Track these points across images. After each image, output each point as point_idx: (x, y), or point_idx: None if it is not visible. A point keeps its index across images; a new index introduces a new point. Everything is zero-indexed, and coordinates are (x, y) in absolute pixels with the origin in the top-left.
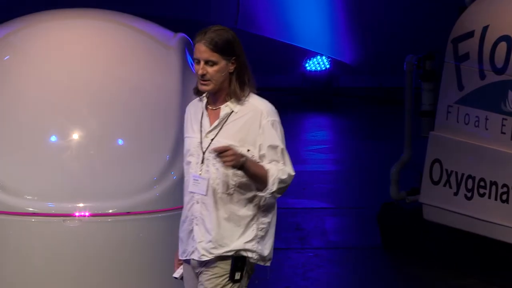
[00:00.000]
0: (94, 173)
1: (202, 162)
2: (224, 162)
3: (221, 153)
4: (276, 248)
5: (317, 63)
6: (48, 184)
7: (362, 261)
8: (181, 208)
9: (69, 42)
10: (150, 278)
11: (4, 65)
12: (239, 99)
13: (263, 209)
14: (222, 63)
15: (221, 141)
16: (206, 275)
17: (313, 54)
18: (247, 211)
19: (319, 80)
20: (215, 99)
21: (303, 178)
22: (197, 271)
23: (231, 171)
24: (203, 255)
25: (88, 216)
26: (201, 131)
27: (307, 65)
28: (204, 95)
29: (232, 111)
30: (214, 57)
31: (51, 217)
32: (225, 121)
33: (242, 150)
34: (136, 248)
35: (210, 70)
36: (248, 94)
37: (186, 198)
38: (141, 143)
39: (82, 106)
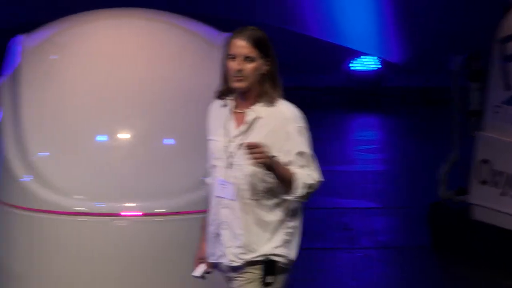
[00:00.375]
0: (143, 172)
1: (228, 167)
2: (254, 158)
3: (252, 149)
4: (325, 248)
5: (363, 63)
6: (97, 183)
7: (410, 260)
8: None
9: (117, 42)
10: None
11: (52, 65)
12: (271, 102)
13: (290, 214)
14: (259, 61)
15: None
16: (238, 282)
17: (359, 54)
18: (274, 216)
19: (365, 80)
20: (242, 101)
21: (352, 178)
22: (226, 275)
23: (259, 175)
24: (232, 260)
25: (136, 215)
26: (226, 135)
27: (353, 64)
28: (229, 98)
29: (259, 116)
30: (253, 53)
31: (99, 217)
32: (252, 126)
33: None
34: (185, 248)
35: (248, 66)
36: (278, 98)
37: (213, 202)
38: (188, 142)
39: (130, 105)
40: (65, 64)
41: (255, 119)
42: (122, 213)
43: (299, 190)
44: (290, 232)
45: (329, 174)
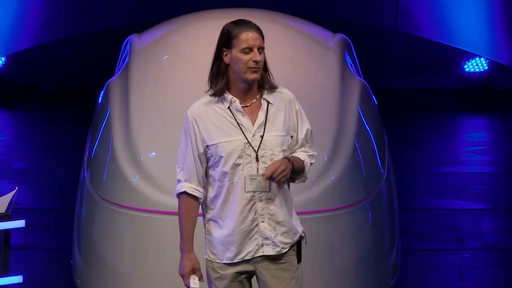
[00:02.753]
0: None
1: (257, 160)
2: (280, 180)
3: (273, 175)
4: (433, 249)
5: (476, 65)
6: None
7: None
8: (340, 208)
9: None
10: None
11: (161, 65)
12: (273, 88)
13: None
14: (264, 52)
15: (273, 135)
16: (282, 267)
17: (472, 56)
18: (290, 195)
19: (477, 82)
20: (247, 93)
21: (460, 179)
22: (254, 268)
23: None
24: (282, 248)
25: None
26: (242, 131)
27: (465, 66)
28: (231, 95)
29: (270, 103)
30: (263, 44)
31: None
32: (268, 114)
33: (288, 138)
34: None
35: (261, 57)
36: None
37: (239, 202)
38: None
39: None
40: (174, 64)
41: (268, 107)
42: None
43: (308, 173)
44: None
45: (439, 176)
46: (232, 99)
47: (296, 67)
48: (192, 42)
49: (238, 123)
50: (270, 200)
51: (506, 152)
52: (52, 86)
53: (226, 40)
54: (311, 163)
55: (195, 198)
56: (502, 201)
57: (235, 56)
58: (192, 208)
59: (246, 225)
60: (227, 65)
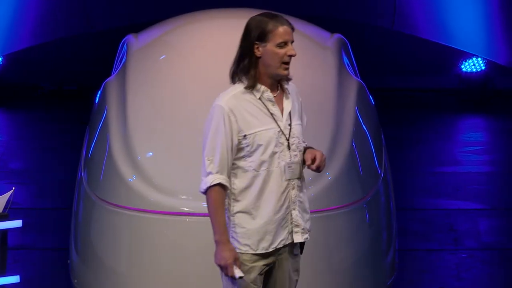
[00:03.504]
0: None
1: (289, 148)
2: (322, 169)
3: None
4: (430, 249)
5: (473, 65)
6: None
7: None
8: (337, 208)
9: (224, 43)
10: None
11: (158, 65)
12: (288, 80)
13: None
14: None
15: (297, 124)
16: (295, 258)
17: (469, 56)
18: None
19: (474, 82)
20: (272, 85)
21: (458, 179)
22: (275, 259)
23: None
24: (308, 234)
25: None
26: (275, 120)
27: (463, 66)
28: (263, 87)
29: (289, 93)
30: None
31: (206, 217)
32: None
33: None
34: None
35: (295, 52)
36: None
37: (279, 189)
38: None
39: None
40: (171, 63)
41: (289, 97)
42: None
43: None
44: None
45: (435, 176)
46: (264, 89)
47: (294, 67)
48: (189, 42)
49: (270, 113)
50: (299, 187)
51: (503, 152)
52: (52, 86)
53: (259, 33)
54: None
55: (225, 189)
56: (499, 201)
57: (270, 50)
58: (224, 199)
59: (282, 213)
60: (258, 58)
